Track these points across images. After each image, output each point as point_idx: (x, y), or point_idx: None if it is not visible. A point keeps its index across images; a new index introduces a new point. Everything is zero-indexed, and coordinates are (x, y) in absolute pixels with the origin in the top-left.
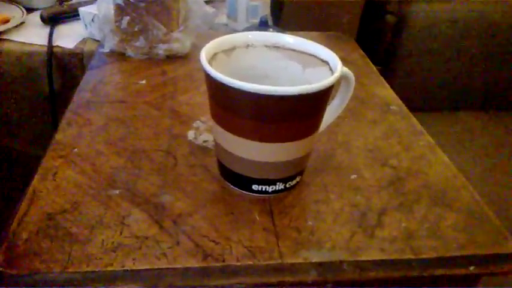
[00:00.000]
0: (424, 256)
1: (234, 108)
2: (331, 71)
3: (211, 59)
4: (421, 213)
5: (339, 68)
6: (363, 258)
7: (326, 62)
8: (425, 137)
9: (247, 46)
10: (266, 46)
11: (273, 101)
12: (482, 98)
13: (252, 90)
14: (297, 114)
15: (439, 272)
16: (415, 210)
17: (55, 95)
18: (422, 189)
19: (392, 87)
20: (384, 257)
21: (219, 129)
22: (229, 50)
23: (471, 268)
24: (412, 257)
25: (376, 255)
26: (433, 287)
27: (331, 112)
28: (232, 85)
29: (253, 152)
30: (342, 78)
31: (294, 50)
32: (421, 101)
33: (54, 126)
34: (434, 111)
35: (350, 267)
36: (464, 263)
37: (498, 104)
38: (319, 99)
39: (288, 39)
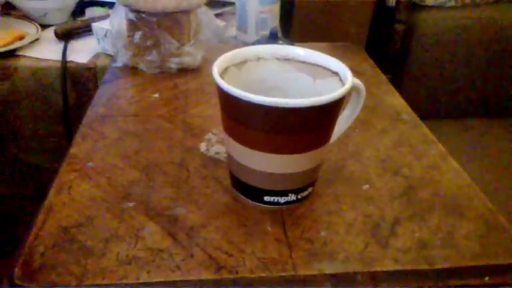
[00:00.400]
0: (438, 266)
1: (246, 120)
2: (341, 81)
3: (223, 72)
4: (434, 223)
5: (350, 79)
6: (377, 269)
7: (336, 73)
8: (437, 145)
9: (258, 59)
10: (277, 59)
11: (283, 113)
12: (493, 104)
13: (262, 103)
14: (308, 125)
15: (454, 282)
16: (428, 220)
17: (69, 109)
18: (435, 198)
19: (401, 94)
20: (398, 268)
21: (231, 142)
22: (241, 64)
23: (486, 278)
24: (426, 267)
25: (390, 266)
26: None
27: (342, 123)
28: (243, 98)
29: (265, 163)
30: (353, 89)
31: (304, 62)
32: (431, 108)
33: (68, 140)
34: (445, 118)
35: (364, 279)
36: (478, 273)
37: (509, 111)
38: (329, 110)
39: (298, 51)
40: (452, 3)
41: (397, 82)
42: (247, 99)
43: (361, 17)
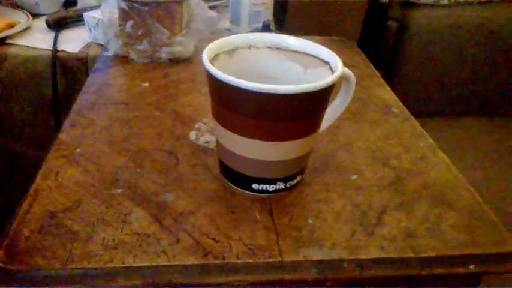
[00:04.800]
0: (423, 255)
1: (235, 107)
2: (332, 71)
3: (213, 59)
4: (421, 213)
5: (339, 67)
6: (363, 256)
7: (327, 63)
8: (426, 138)
9: (249, 47)
10: (268, 47)
11: (273, 100)
12: (484, 103)
13: (252, 89)
14: (297, 113)
15: (439, 270)
16: (415, 210)
17: (59, 98)
18: (422, 189)
19: (393, 91)
20: (384, 256)
21: (220, 128)
22: (231, 51)
23: (471, 267)
24: (412, 255)
25: (376, 254)
26: (434, 286)
27: (332, 112)
28: (233, 84)
29: (254, 150)
30: (343, 78)
31: (295, 51)
32: (423, 105)
33: (58, 129)
34: (436, 116)
35: (350, 265)
36: (464, 262)
37: (500, 109)
38: (319, 98)
39: (290, 40)
40: (446, 2)
41: (390, 79)
42: (236, 84)
43: (355, 13)
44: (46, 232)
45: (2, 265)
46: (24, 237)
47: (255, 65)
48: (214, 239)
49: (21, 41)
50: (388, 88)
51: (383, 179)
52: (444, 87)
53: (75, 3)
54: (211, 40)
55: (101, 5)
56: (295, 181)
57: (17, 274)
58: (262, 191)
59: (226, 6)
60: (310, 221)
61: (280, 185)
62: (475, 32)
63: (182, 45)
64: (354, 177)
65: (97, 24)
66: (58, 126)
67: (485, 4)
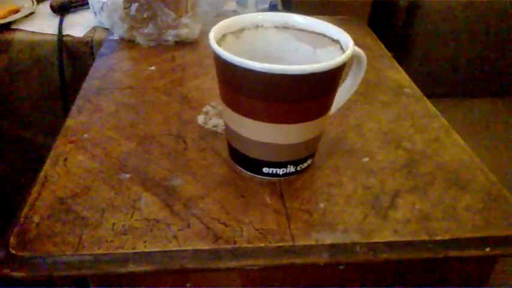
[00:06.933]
0: (438, 237)
1: (243, 88)
2: (342, 50)
3: (220, 40)
4: (435, 195)
5: (351, 46)
6: (376, 240)
7: (337, 41)
8: (440, 119)
9: (257, 27)
10: (275, 27)
11: (282, 81)
12: (497, 83)
13: (260, 70)
14: (308, 94)
15: (454, 253)
16: (429, 192)
17: (66, 83)
18: (436, 171)
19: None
20: (397, 239)
21: (229, 111)
22: (238, 31)
23: (487, 249)
24: (426, 238)
25: (389, 237)
26: (448, 269)
27: (343, 93)
28: (241, 65)
29: (264, 133)
30: (354, 58)
31: (303, 30)
32: (435, 86)
33: (65, 115)
34: (448, 97)
35: (363, 249)
36: (479, 245)
37: None
38: (330, 78)
39: (298, 19)
40: None
41: (400, 59)
42: (243, 65)
43: None
44: (56, 218)
45: (13, 252)
46: (34, 223)
47: (262, 45)
48: (224, 224)
49: (26, 26)
50: (400, 68)
51: (395, 161)
52: (456, 68)
53: None
54: (217, 22)
55: None
56: (305, 164)
57: (29, 261)
58: (272, 175)
59: None
60: (321, 205)
61: (291, 169)
62: (486, 10)
63: (188, 28)
64: (366, 159)
65: (102, 7)
66: (66, 111)
67: None
